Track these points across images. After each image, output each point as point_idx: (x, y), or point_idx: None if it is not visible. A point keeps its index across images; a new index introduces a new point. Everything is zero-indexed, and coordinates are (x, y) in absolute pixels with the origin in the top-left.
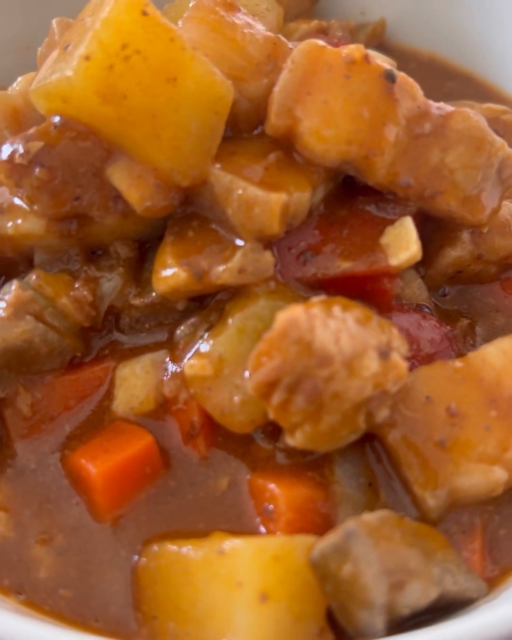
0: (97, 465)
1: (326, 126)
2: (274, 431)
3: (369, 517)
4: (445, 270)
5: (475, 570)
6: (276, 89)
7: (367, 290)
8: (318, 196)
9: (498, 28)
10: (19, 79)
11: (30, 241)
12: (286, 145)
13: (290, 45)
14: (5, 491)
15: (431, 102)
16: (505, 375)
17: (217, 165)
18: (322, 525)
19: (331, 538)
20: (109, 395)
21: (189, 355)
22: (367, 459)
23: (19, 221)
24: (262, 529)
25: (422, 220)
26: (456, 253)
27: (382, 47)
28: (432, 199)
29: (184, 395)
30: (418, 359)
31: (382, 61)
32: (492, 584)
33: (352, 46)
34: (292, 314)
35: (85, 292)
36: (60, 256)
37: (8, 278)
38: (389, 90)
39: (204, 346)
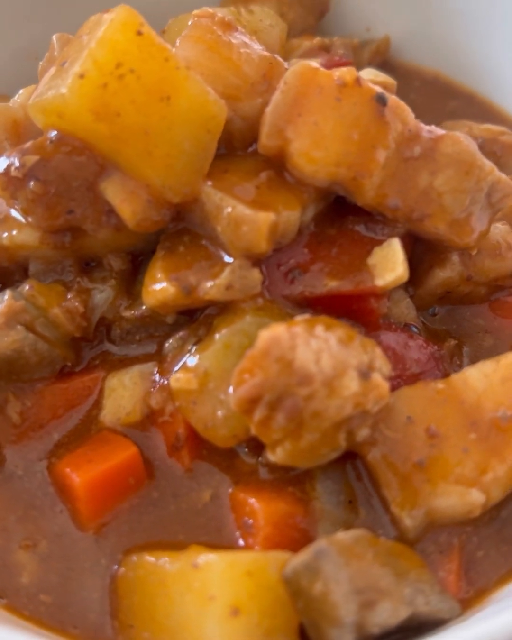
0: (80, 474)
1: (316, 148)
2: (257, 446)
3: (342, 535)
4: (434, 291)
5: (449, 591)
6: (268, 109)
7: (354, 309)
8: (308, 215)
9: (502, 48)
10: (21, 91)
11: (25, 252)
12: (278, 165)
13: (286, 65)
14: None
15: (422, 125)
16: (486, 399)
17: (209, 183)
18: (300, 540)
19: (302, 556)
20: (98, 404)
21: (176, 368)
22: (348, 476)
23: (15, 232)
24: (242, 543)
25: (413, 241)
26: (445, 274)
27: (387, 64)
28: (420, 222)
29: (170, 408)
30: (404, 378)
31: (383, 80)
32: (466, 605)
33: (344, 69)
34: (274, 332)
35: (77, 303)
36: (54, 267)
37: (3, 287)
38: (379, 113)
39: (191, 360)
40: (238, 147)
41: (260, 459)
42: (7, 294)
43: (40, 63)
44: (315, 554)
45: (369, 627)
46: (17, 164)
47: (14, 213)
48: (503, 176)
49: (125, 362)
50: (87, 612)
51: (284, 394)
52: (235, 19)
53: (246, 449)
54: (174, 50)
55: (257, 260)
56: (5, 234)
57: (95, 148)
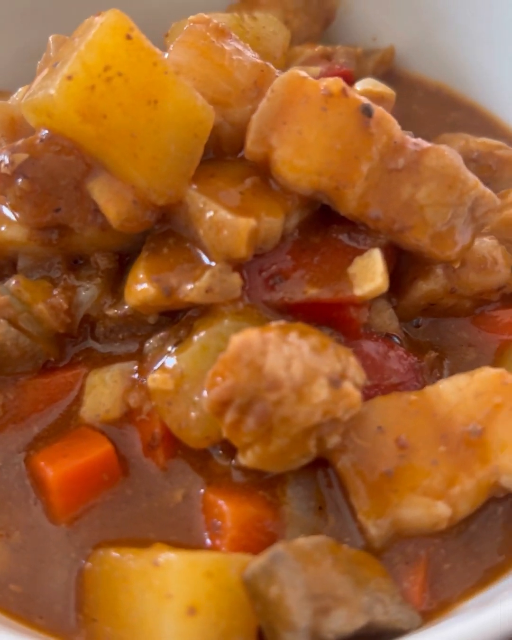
0: (54, 468)
1: (298, 156)
2: (231, 449)
3: (302, 541)
4: (417, 302)
5: (412, 602)
6: (254, 116)
7: (334, 318)
8: (292, 222)
9: (506, 62)
10: (20, 89)
11: (14, 247)
12: (264, 171)
13: (277, 73)
14: None
15: (408, 137)
16: (458, 412)
17: (194, 186)
18: (268, 544)
19: (260, 559)
20: (78, 400)
21: (154, 368)
22: (319, 483)
23: (3, 228)
24: (209, 543)
25: (398, 252)
26: (429, 286)
27: (391, 74)
28: (401, 233)
29: (148, 407)
30: (381, 388)
31: (380, 90)
32: (428, 618)
33: (331, 79)
34: (246, 337)
35: (62, 300)
36: (42, 263)
37: None
38: (364, 124)
39: (169, 361)
40: (227, 152)
41: (233, 461)
42: None
43: (39, 63)
44: (271, 558)
45: (324, 633)
46: (6, 161)
47: (4, 209)
48: (487, 191)
49: (108, 360)
50: (54, 603)
51: (254, 398)
52: (237, 24)
53: (220, 451)
54: (167, 54)
55: (238, 265)
56: None
57: (83, 148)
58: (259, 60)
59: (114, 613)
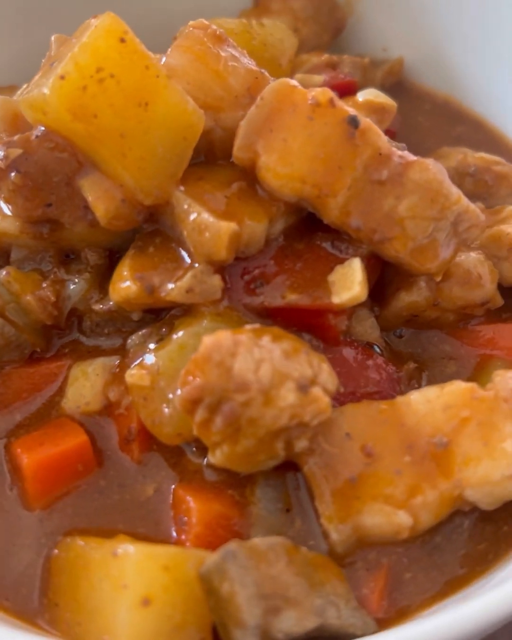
0: (29, 456)
1: (282, 163)
2: (205, 447)
3: (258, 541)
4: (399, 313)
5: (369, 609)
6: (242, 122)
7: (312, 324)
8: (277, 228)
9: None
10: (25, 86)
11: (7, 239)
12: (253, 177)
13: (271, 80)
14: None
15: (394, 149)
16: (425, 423)
17: (182, 188)
18: None
19: (214, 556)
20: (61, 391)
21: (134, 364)
22: (288, 485)
23: None
24: (175, 537)
25: (383, 262)
26: (411, 298)
27: (400, 85)
28: (381, 244)
29: (126, 402)
30: (357, 396)
31: (382, 101)
32: (384, 625)
33: (319, 89)
34: (217, 338)
35: (49, 293)
36: (35, 256)
37: None
38: (350, 135)
39: (148, 357)
40: (219, 157)
41: (205, 460)
42: None
43: (43, 61)
44: (223, 555)
45: (274, 632)
46: (1, 155)
47: (1, 203)
48: (471, 206)
49: (93, 353)
50: (21, 586)
51: (223, 398)
52: (245, 30)
53: (194, 449)
54: (164, 57)
55: (220, 267)
56: None
57: (76, 146)
58: (254, 68)
59: (75, 599)
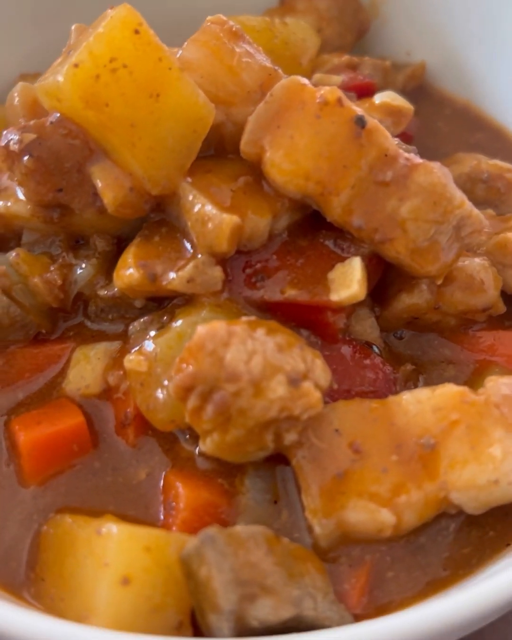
0: (26, 433)
1: (287, 160)
2: (198, 436)
3: (239, 528)
4: (400, 315)
5: (348, 604)
6: (251, 117)
7: (311, 320)
8: (281, 224)
9: None
10: (45, 73)
11: (19, 222)
12: (260, 172)
13: (285, 78)
14: None
15: (401, 151)
16: (415, 424)
17: (189, 180)
18: None
19: (193, 540)
20: (63, 373)
21: (134, 349)
22: (277, 478)
23: (10, 203)
24: (162, 521)
25: (386, 263)
26: (411, 300)
27: (422, 89)
28: (382, 244)
29: (124, 387)
30: (352, 394)
31: (399, 104)
32: (362, 621)
33: (328, 88)
34: (210, 328)
35: (57, 276)
36: (45, 240)
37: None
38: (356, 135)
39: (147, 344)
40: (229, 151)
41: (197, 448)
42: None
43: (63, 50)
44: (202, 539)
45: (249, 619)
46: (16, 139)
47: (15, 187)
48: (475, 211)
49: (97, 337)
50: (10, 560)
51: (215, 387)
52: (267, 28)
53: (187, 436)
54: (180, 51)
55: (223, 260)
56: (2, 203)
57: (88, 133)
58: (268, 65)
59: (60, 575)
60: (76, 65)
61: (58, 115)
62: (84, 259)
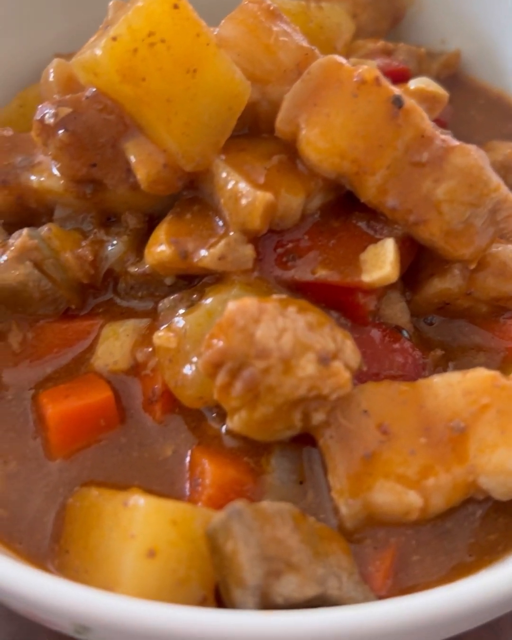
0: (54, 406)
1: (322, 138)
2: (225, 414)
3: (266, 504)
4: (431, 299)
5: (372, 586)
6: (287, 95)
7: (342, 301)
8: (314, 204)
9: None
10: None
11: (52, 197)
12: (294, 151)
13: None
14: None
15: (438, 133)
16: (445, 407)
17: (222, 157)
18: None
19: (220, 514)
20: (91, 349)
21: (163, 326)
22: (304, 458)
23: (43, 177)
24: (188, 497)
25: (419, 247)
26: (443, 285)
27: (456, 78)
28: (416, 226)
29: (153, 363)
30: (381, 377)
31: (433, 90)
32: None
33: (365, 67)
34: (242, 304)
35: (88, 252)
36: (77, 216)
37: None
38: (393, 114)
39: (177, 321)
40: (263, 130)
41: (224, 426)
42: (25, 231)
43: (100, 26)
44: (228, 514)
45: (274, 596)
46: (51, 113)
47: (49, 161)
48: (511, 196)
49: (125, 314)
50: (35, 531)
51: (244, 364)
52: (302, 12)
53: (214, 415)
54: (217, 29)
55: (254, 238)
56: (34, 177)
57: (123, 108)
58: (305, 45)
59: (85, 547)
60: (114, 39)
61: (94, 90)
62: (115, 235)
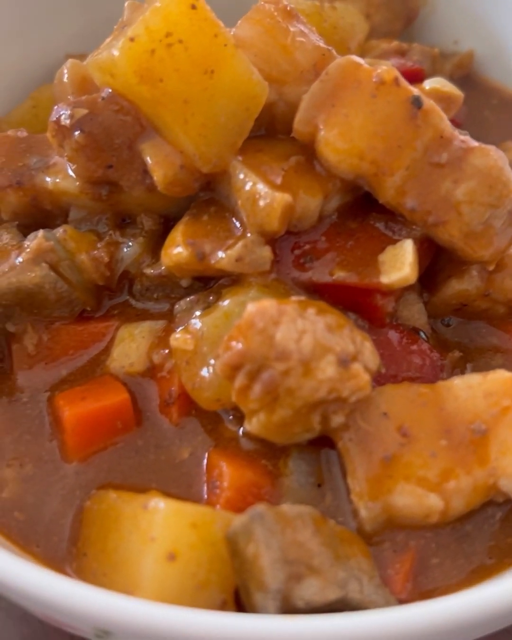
0: (70, 409)
1: (341, 139)
2: (242, 416)
3: (286, 507)
4: (448, 301)
5: (392, 589)
6: (305, 96)
7: (359, 303)
8: (332, 205)
9: None
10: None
11: (67, 198)
12: (311, 152)
13: (338, 58)
14: None
15: (457, 133)
16: (465, 410)
17: (239, 158)
18: None
19: (242, 517)
20: (107, 351)
21: (179, 328)
22: (322, 461)
23: (59, 179)
24: (206, 500)
25: (437, 248)
26: (461, 286)
27: (469, 78)
28: (435, 227)
29: (169, 365)
30: (399, 379)
31: (448, 90)
32: None
33: (384, 68)
34: (262, 306)
35: (103, 253)
36: (92, 217)
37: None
38: (412, 115)
39: (194, 322)
40: (280, 131)
41: (241, 429)
42: (40, 233)
43: (115, 27)
44: (250, 517)
45: (295, 599)
46: (67, 114)
47: (65, 162)
48: None
49: (141, 316)
50: (52, 534)
51: (263, 366)
52: (316, 12)
53: (231, 417)
54: (234, 29)
55: (272, 240)
56: (50, 179)
57: (140, 109)
58: (322, 45)
59: (103, 550)
60: (132, 39)
61: (110, 90)
62: (130, 237)
